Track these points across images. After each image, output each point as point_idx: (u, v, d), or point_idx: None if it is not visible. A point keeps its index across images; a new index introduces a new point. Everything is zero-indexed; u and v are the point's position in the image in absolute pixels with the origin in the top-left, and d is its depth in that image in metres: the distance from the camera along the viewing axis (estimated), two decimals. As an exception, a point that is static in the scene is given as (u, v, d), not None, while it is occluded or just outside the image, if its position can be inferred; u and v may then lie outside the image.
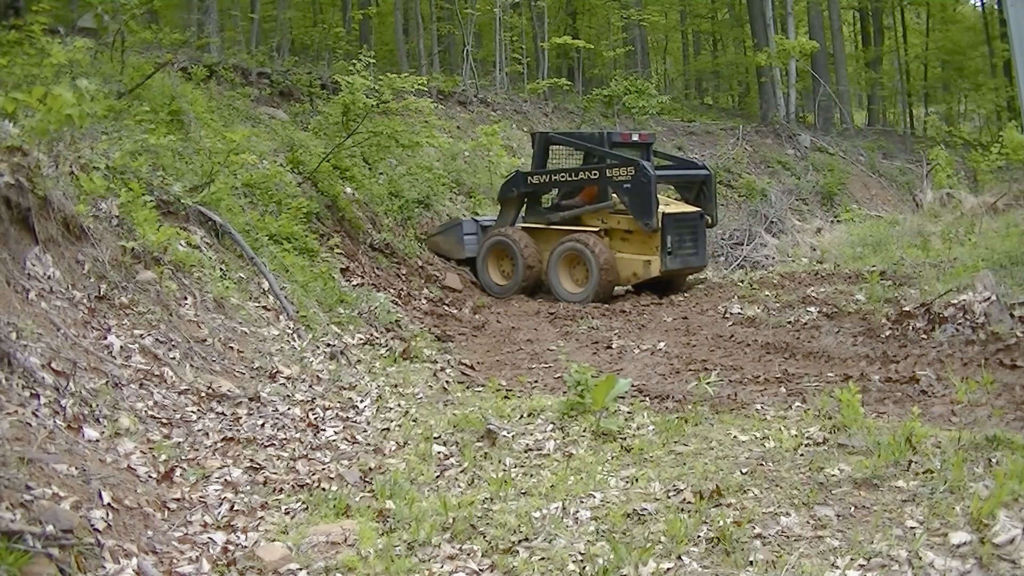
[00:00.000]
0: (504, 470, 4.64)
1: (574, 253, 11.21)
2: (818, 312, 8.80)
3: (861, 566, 3.23)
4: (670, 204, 11.45)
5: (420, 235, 12.58)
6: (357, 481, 4.57)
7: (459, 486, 4.52)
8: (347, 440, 5.27)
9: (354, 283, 9.57)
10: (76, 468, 3.70)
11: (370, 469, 4.76)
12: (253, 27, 20.24)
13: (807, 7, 28.86)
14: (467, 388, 6.72)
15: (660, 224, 10.81)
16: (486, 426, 5.20)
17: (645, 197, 10.80)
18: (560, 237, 11.46)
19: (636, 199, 10.87)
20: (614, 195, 11.30)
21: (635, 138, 12.30)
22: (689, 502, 3.89)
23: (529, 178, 12.00)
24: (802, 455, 4.38)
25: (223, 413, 5.20)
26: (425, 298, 10.69)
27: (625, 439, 4.98)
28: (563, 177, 11.80)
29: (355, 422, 5.64)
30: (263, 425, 5.22)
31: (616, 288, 11.37)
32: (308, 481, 4.55)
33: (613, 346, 8.26)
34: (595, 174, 11.42)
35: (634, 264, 11.13)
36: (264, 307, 7.15)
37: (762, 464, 4.32)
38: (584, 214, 11.64)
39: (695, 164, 12.90)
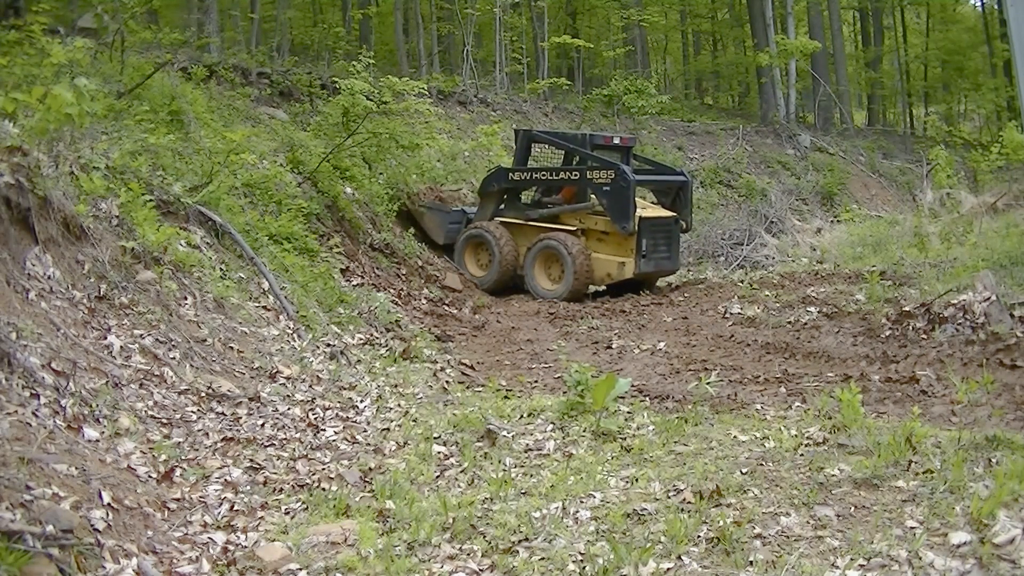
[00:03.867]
0: (504, 470, 4.64)
1: (551, 252, 11.42)
2: (818, 312, 8.80)
3: (861, 566, 3.23)
4: (647, 208, 11.62)
5: (411, 199, 12.72)
6: (357, 481, 4.57)
7: (459, 486, 4.52)
8: (347, 440, 5.27)
9: (354, 283, 9.57)
10: (76, 468, 3.70)
11: (370, 469, 4.76)
12: (253, 27, 20.23)
13: (807, 7, 28.85)
14: (467, 388, 6.72)
15: (636, 228, 11.02)
16: (486, 426, 5.20)
17: (623, 201, 10.98)
18: (538, 234, 11.69)
19: (615, 202, 11.06)
20: (593, 197, 11.48)
21: (616, 141, 12.49)
22: (689, 502, 3.89)
23: (511, 174, 12.18)
24: (802, 455, 4.38)
25: (223, 413, 5.20)
26: (425, 298, 10.68)
27: (625, 439, 4.98)
28: (544, 175, 12.04)
29: (355, 422, 5.64)
30: (263, 425, 5.22)
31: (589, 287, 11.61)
32: (308, 481, 4.55)
33: (613, 346, 8.26)
34: (576, 175, 11.62)
35: (609, 265, 11.32)
36: (264, 307, 7.15)
37: (762, 464, 4.32)
38: (563, 213, 11.84)
39: (673, 170, 13.13)
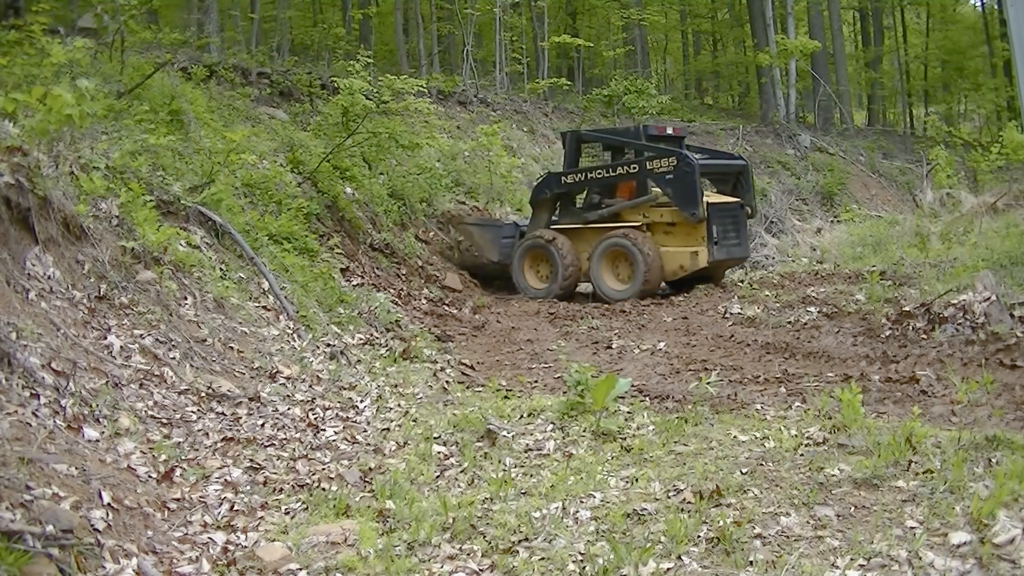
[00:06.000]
0: (504, 470, 4.64)
1: (618, 249, 11.04)
2: (818, 312, 8.80)
3: (861, 566, 3.23)
4: (710, 195, 11.27)
5: (453, 216, 12.56)
6: (357, 481, 4.57)
7: (459, 486, 4.52)
8: (347, 440, 5.27)
9: (354, 283, 9.57)
10: (76, 468, 3.70)
11: (370, 469, 4.76)
12: (253, 27, 20.23)
13: (807, 7, 28.86)
14: (467, 388, 6.72)
15: (705, 213, 10.65)
16: (486, 426, 5.20)
17: (689, 187, 10.62)
18: (601, 235, 11.27)
19: (680, 190, 10.69)
20: (655, 188, 11.11)
21: (669, 131, 12.12)
22: (689, 502, 3.89)
23: (563, 179, 11.78)
24: (802, 455, 4.38)
25: (223, 413, 5.20)
26: (425, 298, 10.69)
27: (625, 439, 4.98)
28: (600, 174, 11.56)
29: (355, 422, 5.64)
30: (263, 425, 5.22)
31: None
32: (308, 481, 4.55)
33: (613, 346, 8.26)
34: (634, 168, 11.21)
35: (680, 256, 10.93)
36: (264, 307, 7.15)
37: (762, 464, 4.32)
38: (624, 210, 11.42)
39: (731, 155, 12.70)
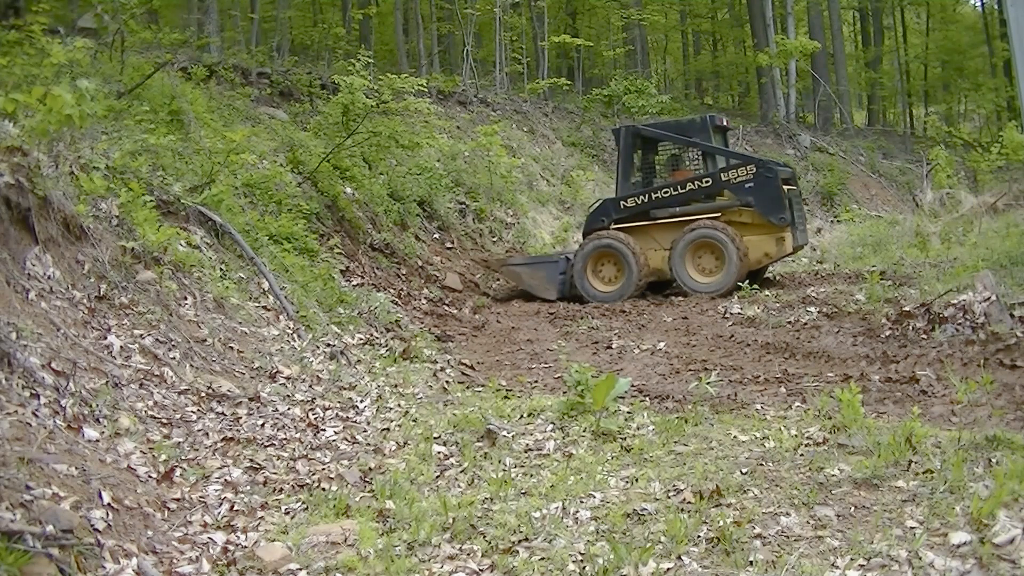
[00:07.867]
0: (504, 470, 4.64)
1: (705, 241, 10.79)
2: (818, 312, 8.80)
3: (861, 566, 3.23)
4: None
5: (486, 258, 12.41)
6: (357, 481, 4.58)
7: (459, 486, 4.52)
8: (347, 440, 5.27)
9: (354, 283, 9.57)
10: (76, 468, 3.70)
11: (370, 469, 4.76)
12: (253, 27, 20.22)
13: (807, 7, 28.87)
14: (467, 388, 6.72)
15: (791, 216, 10.61)
16: (486, 426, 5.20)
17: (773, 193, 10.55)
18: (679, 229, 10.99)
19: (764, 197, 10.58)
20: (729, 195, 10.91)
21: (724, 122, 12.08)
22: (689, 502, 3.89)
23: (622, 203, 11.35)
24: (802, 455, 4.38)
25: (223, 413, 5.20)
26: (425, 298, 10.69)
27: (625, 439, 4.98)
28: (666, 193, 11.15)
29: (355, 422, 5.64)
30: (263, 425, 5.22)
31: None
32: (308, 481, 4.55)
33: (613, 346, 8.26)
34: (707, 181, 10.97)
35: (765, 244, 10.76)
36: (264, 307, 7.15)
37: (762, 464, 4.32)
38: (699, 212, 11.14)
39: (775, 163, 12.76)
